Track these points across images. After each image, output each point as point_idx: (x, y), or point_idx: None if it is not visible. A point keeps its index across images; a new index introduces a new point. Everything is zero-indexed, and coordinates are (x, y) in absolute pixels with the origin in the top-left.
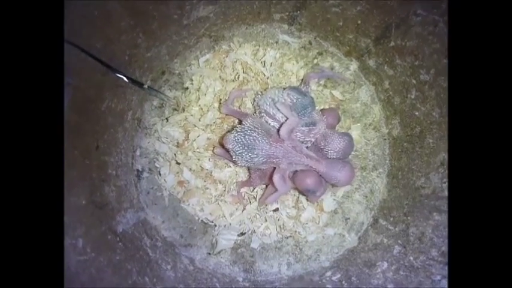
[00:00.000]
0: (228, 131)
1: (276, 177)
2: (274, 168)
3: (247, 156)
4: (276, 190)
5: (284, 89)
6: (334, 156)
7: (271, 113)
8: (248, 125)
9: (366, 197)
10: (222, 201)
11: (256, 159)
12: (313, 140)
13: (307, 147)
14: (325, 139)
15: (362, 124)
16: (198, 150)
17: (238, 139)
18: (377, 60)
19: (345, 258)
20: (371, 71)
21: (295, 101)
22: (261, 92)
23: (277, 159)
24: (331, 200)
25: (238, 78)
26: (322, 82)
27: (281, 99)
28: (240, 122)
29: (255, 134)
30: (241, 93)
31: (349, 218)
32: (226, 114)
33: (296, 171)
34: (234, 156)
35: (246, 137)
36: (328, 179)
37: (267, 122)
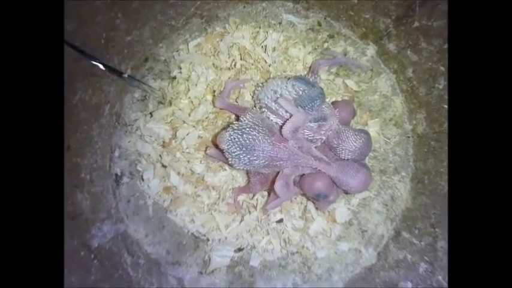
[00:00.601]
0: (223, 129)
1: (278, 184)
2: (278, 172)
3: (246, 158)
4: (276, 196)
5: (288, 79)
6: (349, 157)
7: (274, 108)
8: (246, 121)
9: (386, 205)
10: (216, 211)
11: (256, 162)
12: (323, 137)
13: (316, 147)
14: (339, 137)
15: (381, 119)
16: (187, 150)
17: (234, 138)
18: (398, 44)
19: (361, 278)
20: (391, 56)
21: (301, 93)
22: (262, 83)
23: (280, 162)
24: (345, 209)
25: (234, 66)
26: (333, 70)
27: (285, 92)
28: (237, 118)
29: (254, 133)
30: (239, 83)
31: (366, 231)
32: (221, 109)
33: (303, 174)
34: (230, 159)
35: (244, 135)
36: (339, 185)
37: (268, 118)
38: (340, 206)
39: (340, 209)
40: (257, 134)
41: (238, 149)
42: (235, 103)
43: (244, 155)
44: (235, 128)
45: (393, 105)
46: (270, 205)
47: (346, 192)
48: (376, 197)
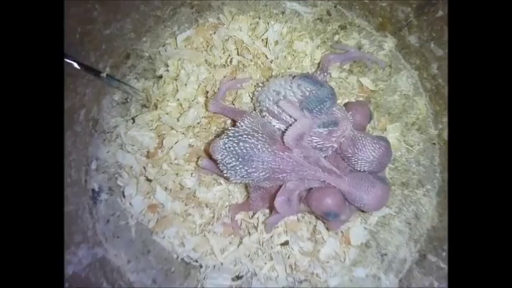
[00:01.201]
0: (217, 136)
1: (278, 201)
2: (281, 185)
3: (243, 170)
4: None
5: (293, 77)
6: (366, 169)
7: (276, 112)
8: (244, 127)
9: (409, 223)
10: (210, 232)
11: (254, 174)
12: (335, 145)
13: (325, 157)
14: (354, 145)
15: (402, 123)
16: (176, 161)
17: (230, 147)
18: (420, 36)
19: None
20: (413, 50)
21: (307, 93)
22: (262, 82)
23: (283, 175)
24: (361, 229)
25: (230, 62)
26: (346, 67)
27: (289, 93)
28: (234, 124)
29: (253, 140)
30: (236, 83)
31: (386, 254)
32: (215, 113)
33: (311, 189)
34: (225, 171)
35: (241, 144)
36: (351, 201)
37: (270, 122)
38: (355, 226)
39: (356, 229)
40: (256, 142)
41: (234, 159)
42: (232, 106)
43: (241, 166)
44: (231, 135)
45: (416, 107)
46: (269, 220)
47: (362, 210)
48: (397, 214)
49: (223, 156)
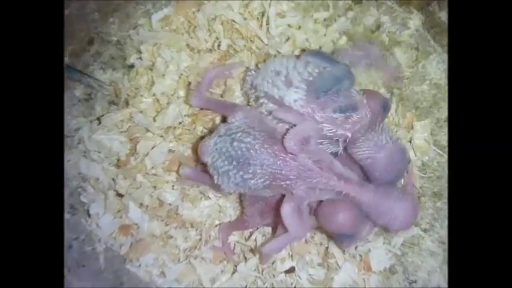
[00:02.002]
0: (204, 136)
1: (286, 209)
2: (284, 196)
3: (238, 176)
4: (286, 231)
5: (298, 55)
6: (379, 179)
7: (277, 97)
8: (237, 123)
9: (443, 243)
10: (196, 259)
11: (251, 181)
12: (348, 134)
13: (336, 154)
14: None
15: (432, 120)
16: (153, 171)
17: (221, 148)
18: None
19: None
20: (444, 29)
21: (316, 73)
22: (257, 65)
23: (287, 182)
24: (383, 251)
25: (218, 47)
26: None
27: (293, 73)
28: (224, 120)
29: (248, 139)
30: (223, 70)
31: (415, 281)
32: (201, 108)
33: (321, 201)
34: (215, 177)
35: (235, 143)
36: (375, 217)
37: (270, 113)
38: (376, 247)
39: (377, 251)
40: (253, 142)
41: (227, 162)
42: (219, 99)
43: (235, 171)
44: (222, 133)
45: None
46: (268, 245)
47: (385, 229)
48: (427, 231)
49: (214, 158)
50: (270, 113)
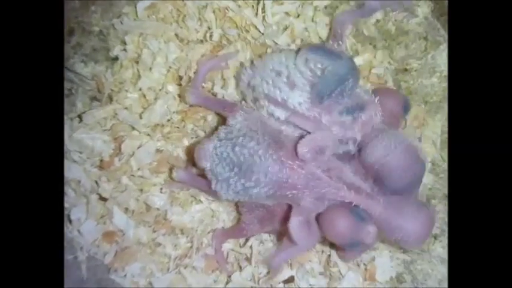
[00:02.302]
0: (196, 137)
1: (294, 223)
2: (289, 205)
3: (239, 184)
4: (293, 244)
5: (298, 51)
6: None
7: (279, 99)
8: (239, 126)
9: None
10: (187, 268)
11: (254, 190)
12: (358, 137)
13: (348, 154)
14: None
15: (443, 115)
16: (139, 173)
17: (222, 152)
18: None
19: None
20: None
21: (319, 72)
22: (252, 61)
23: (293, 192)
24: (389, 259)
25: (210, 37)
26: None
27: (294, 72)
28: (224, 122)
29: (251, 144)
30: (219, 62)
31: None
32: (194, 105)
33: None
34: (213, 183)
35: (237, 148)
36: (387, 232)
37: (272, 114)
38: (381, 255)
39: (382, 260)
40: (256, 147)
41: (227, 169)
42: (219, 98)
43: (236, 178)
44: (223, 136)
45: None
46: (277, 259)
47: (399, 244)
48: (437, 237)
49: (214, 164)
50: (272, 115)
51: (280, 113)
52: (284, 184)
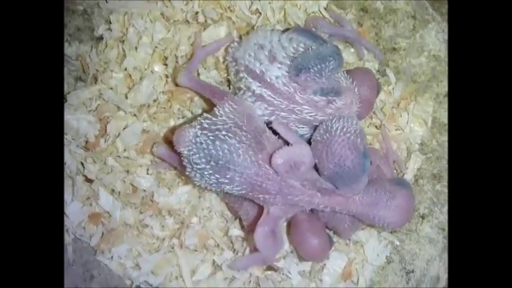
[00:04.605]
0: (184, 119)
1: (259, 233)
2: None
3: (213, 177)
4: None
5: (284, 30)
6: (327, 172)
7: (258, 72)
8: (224, 117)
9: (443, 229)
10: (175, 248)
11: (227, 187)
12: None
13: (309, 140)
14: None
15: (431, 95)
16: (125, 154)
17: (202, 143)
18: None
19: None
20: None
21: (302, 49)
22: (240, 37)
23: (265, 196)
24: (376, 239)
25: (196, 19)
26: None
27: (277, 47)
28: (211, 107)
29: (233, 141)
30: (218, 46)
31: (413, 271)
32: (183, 87)
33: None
34: (188, 169)
35: (218, 143)
36: (369, 223)
37: (248, 88)
38: (371, 236)
39: (372, 241)
40: (237, 145)
41: (204, 161)
42: (210, 83)
43: (211, 171)
44: (206, 126)
45: None
46: (238, 263)
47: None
48: (426, 217)
49: (191, 152)
50: (248, 88)
51: (256, 87)
52: (257, 187)
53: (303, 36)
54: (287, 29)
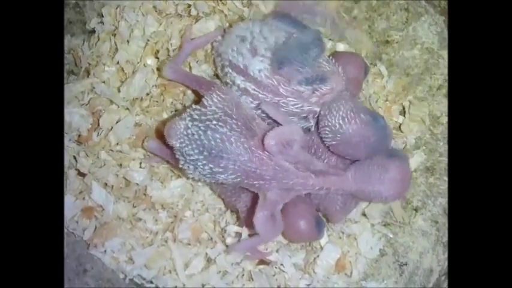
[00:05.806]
0: (176, 113)
1: (259, 218)
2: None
3: (207, 167)
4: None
5: (264, 18)
6: (329, 143)
7: (241, 66)
8: (213, 107)
9: (437, 222)
10: (168, 242)
11: (222, 176)
12: (316, 109)
13: (308, 130)
14: (329, 107)
15: (424, 88)
16: (118, 147)
17: (194, 134)
18: None
19: None
20: None
21: (283, 39)
22: (224, 30)
23: (260, 182)
24: (369, 232)
25: (189, 12)
26: None
27: (259, 38)
28: (198, 99)
29: (225, 130)
30: (206, 41)
31: (406, 264)
32: (171, 80)
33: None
34: (181, 162)
35: (209, 132)
36: (366, 199)
37: (233, 83)
38: (364, 228)
39: (365, 233)
40: (229, 133)
41: (197, 151)
42: (197, 75)
43: (205, 162)
44: (196, 117)
45: (443, 64)
46: (238, 245)
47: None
48: (419, 209)
49: (183, 144)
50: (233, 83)
51: (240, 81)
52: (252, 174)
53: (282, 23)
54: (266, 17)
